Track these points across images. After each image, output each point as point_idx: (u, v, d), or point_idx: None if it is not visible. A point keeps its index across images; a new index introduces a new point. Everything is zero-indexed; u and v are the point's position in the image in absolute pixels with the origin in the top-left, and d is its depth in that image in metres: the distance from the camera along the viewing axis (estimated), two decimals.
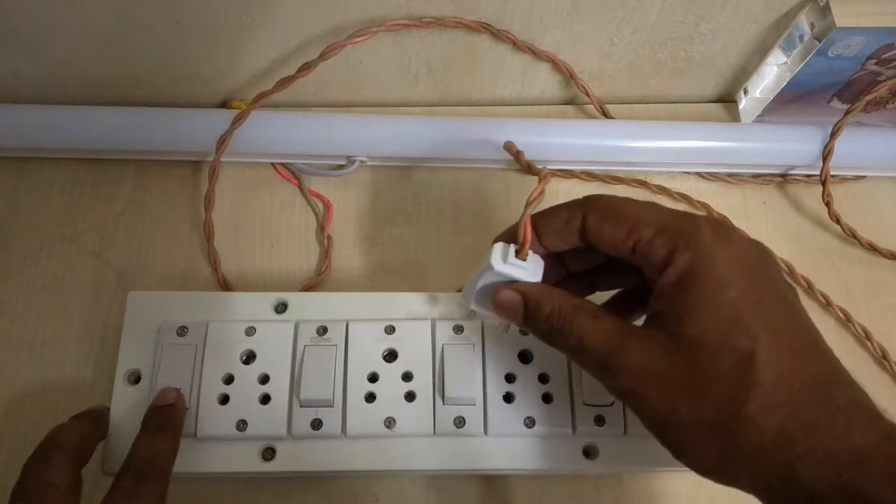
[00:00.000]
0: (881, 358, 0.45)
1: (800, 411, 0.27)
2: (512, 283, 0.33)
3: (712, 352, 0.28)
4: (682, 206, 0.49)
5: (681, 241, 0.29)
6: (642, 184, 0.50)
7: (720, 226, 0.30)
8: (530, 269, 0.33)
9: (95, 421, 0.36)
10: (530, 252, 0.33)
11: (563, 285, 0.35)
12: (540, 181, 0.33)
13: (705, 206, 0.49)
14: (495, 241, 0.34)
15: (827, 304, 0.47)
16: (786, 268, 0.48)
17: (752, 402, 0.27)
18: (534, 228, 0.33)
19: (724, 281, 0.28)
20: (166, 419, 0.36)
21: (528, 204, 0.32)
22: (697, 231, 0.29)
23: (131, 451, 0.34)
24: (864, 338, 0.46)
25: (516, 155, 0.39)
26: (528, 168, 0.37)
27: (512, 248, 0.33)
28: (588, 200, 0.32)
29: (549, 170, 0.35)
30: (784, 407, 0.27)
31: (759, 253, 0.31)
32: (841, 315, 0.46)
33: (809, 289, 0.47)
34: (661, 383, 0.29)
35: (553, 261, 0.35)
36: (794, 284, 0.33)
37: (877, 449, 0.26)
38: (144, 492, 0.32)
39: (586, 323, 0.31)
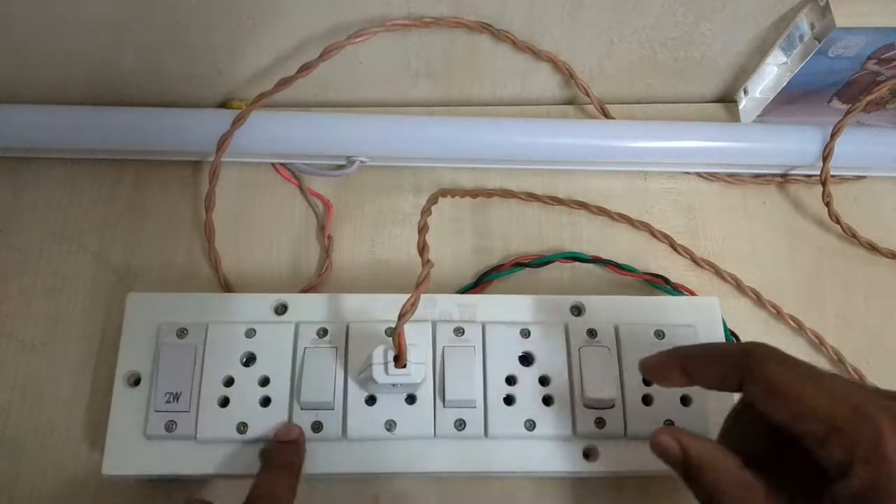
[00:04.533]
0: (837, 362, 0.45)
1: None
2: (673, 429, 0.30)
3: None
4: (643, 235, 0.48)
5: (860, 451, 0.25)
6: (603, 211, 0.48)
7: None
8: (413, 372, 0.33)
9: None
10: (412, 351, 0.33)
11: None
12: (419, 285, 0.32)
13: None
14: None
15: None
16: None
17: None
18: (684, 372, 0.30)
19: None
20: (290, 456, 0.35)
21: (400, 317, 0.31)
22: (880, 439, 0.25)
23: (253, 487, 0.33)
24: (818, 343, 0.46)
25: (420, 249, 0.35)
26: (421, 250, 0.35)
27: (391, 355, 0.33)
28: (746, 365, 0.28)
29: (432, 264, 0.32)
30: None
31: None
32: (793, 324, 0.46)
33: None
34: None
35: None
36: None
37: None
38: None
39: None
